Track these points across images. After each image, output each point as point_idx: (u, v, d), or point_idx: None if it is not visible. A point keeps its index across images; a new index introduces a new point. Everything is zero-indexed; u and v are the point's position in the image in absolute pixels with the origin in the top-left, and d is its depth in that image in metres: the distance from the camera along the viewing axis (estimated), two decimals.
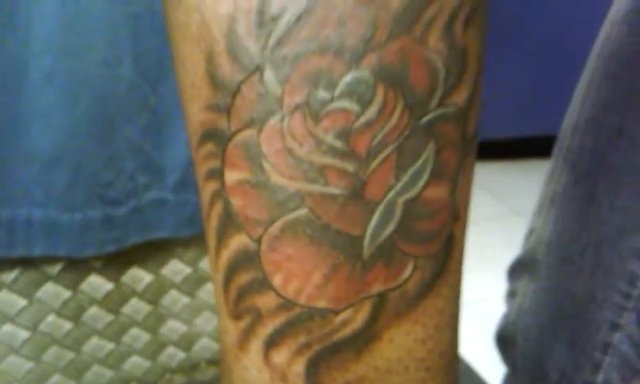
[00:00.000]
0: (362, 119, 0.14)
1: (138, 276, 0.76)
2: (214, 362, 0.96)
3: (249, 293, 0.15)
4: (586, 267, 0.43)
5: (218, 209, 0.15)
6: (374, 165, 0.14)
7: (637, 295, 0.40)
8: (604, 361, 0.43)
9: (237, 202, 0.15)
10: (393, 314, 0.15)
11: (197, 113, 0.15)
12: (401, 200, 0.14)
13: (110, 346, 0.76)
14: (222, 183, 0.15)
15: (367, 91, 0.14)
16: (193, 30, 0.14)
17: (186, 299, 0.86)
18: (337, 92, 0.14)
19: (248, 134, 0.14)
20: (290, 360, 0.15)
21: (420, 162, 0.14)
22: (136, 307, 0.78)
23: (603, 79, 0.41)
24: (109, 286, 0.70)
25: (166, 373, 0.88)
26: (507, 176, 1.63)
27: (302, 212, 0.14)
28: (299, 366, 0.15)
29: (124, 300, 0.75)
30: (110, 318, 0.74)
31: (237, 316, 0.15)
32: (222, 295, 0.16)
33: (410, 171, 0.14)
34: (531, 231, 0.49)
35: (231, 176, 0.15)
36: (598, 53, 0.42)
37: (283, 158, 0.14)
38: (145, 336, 0.81)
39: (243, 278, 0.15)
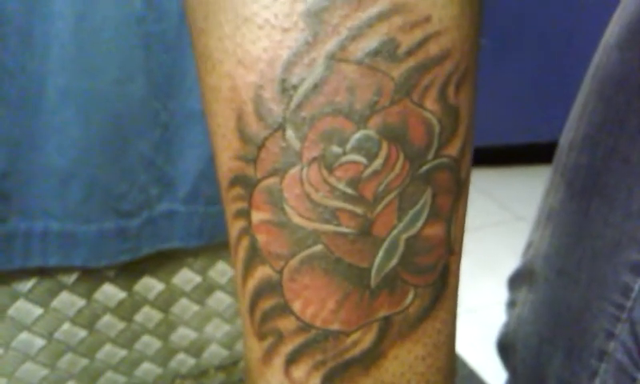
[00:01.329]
0: (370, 170, 0.16)
1: (150, 285, 0.79)
2: (223, 367, 0.98)
3: (272, 316, 0.17)
4: (581, 279, 0.45)
5: (245, 243, 0.18)
6: (379, 208, 0.16)
7: (630, 306, 0.42)
8: (600, 368, 0.45)
9: (261, 238, 0.17)
10: (397, 334, 0.17)
11: (227, 161, 0.18)
12: (403, 237, 0.17)
13: (122, 352, 0.78)
14: (249, 222, 0.17)
15: (373, 146, 0.16)
16: (224, 93, 0.17)
17: (195, 307, 0.88)
18: (348, 147, 0.16)
19: (271, 181, 0.17)
20: (307, 375, 0.17)
21: (419, 204, 0.17)
22: (148, 315, 0.80)
23: (598, 101, 0.43)
24: (122, 294, 0.73)
25: (177, 378, 0.91)
26: (510, 182, 1.64)
27: (318, 248, 0.17)
28: (316, 380, 0.17)
29: (136, 308, 0.78)
30: (122, 325, 0.76)
31: (261, 336, 0.18)
32: (248, 318, 0.18)
33: (411, 213, 0.17)
34: (529, 244, 0.51)
35: (257, 216, 0.17)
36: (592, 75, 0.44)
37: (302, 201, 0.16)
38: (156, 343, 0.84)
39: (267, 304, 0.17)
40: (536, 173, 1.29)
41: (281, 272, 0.17)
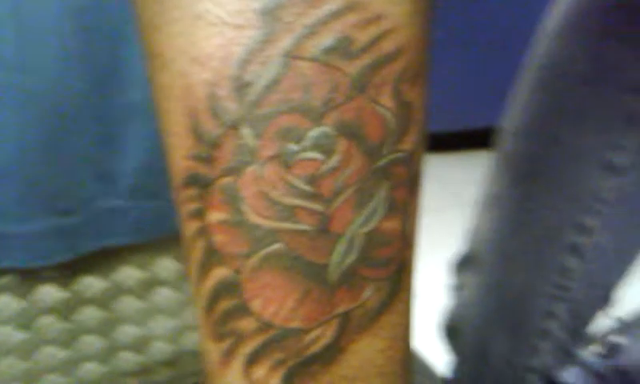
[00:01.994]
0: (327, 166, 0.16)
1: (90, 283, 0.76)
2: (169, 363, 0.96)
3: (230, 317, 0.17)
4: (523, 262, 0.46)
5: (200, 244, 0.17)
6: (337, 204, 0.16)
7: (570, 286, 0.44)
8: (541, 346, 0.47)
9: (218, 238, 0.17)
10: (356, 329, 0.17)
11: (180, 160, 0.17)
12: (361, 232, 0.17)
13: (62, 353, 0.76)
14: (205, 222, 0.17)
15: (330, 143, 0.16)
16: (177, 91, 0.17)
17: (138, 303, 0.86)
18: (305, 144, 0.16)
19: (227, 180, 0.16)
20: (268, 375, 0.17)
21: (376, 199, 0.17)
22: (88, 314, 0.78)
23: (539, 89, 0.45)
24: (61, 294, 0.70)
25: (121, 377, 0.88)
26: (450, 167, 1.67)
27: (277, 246, 0.16)
28: (276, 380, 0.17)
29: (76, 307, 0.75)
30: (62, 325, 0.74)
31: (219, 338, 0.18)
32: (205, 320, 0.18)
33: (368, 208, 0.17)
34: (473, 230, 0.52)
35: (213, 216, 0.17)
36: (532, 64, 0.46)
37: (259, 200, 0.16)
38: (98, 342, 0.81)
39: (225, 305, 0.17)
40: (475, 158, 1.32)
41: (239, 272, 0.17)
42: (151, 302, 0.85)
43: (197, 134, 0.16)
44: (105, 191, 0.70)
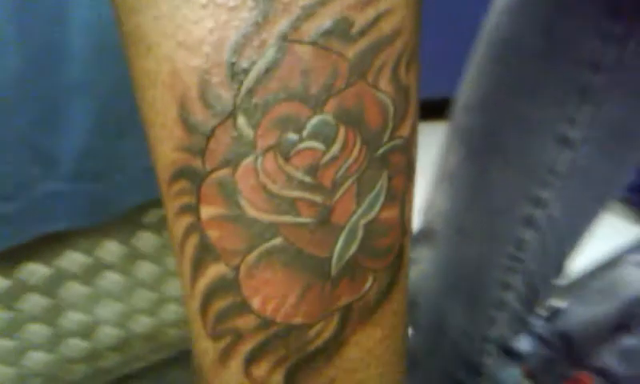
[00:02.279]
0: (328, 156, 0.15)
1: (34, 269, 0.73)
2: (116, 348, 0.94)
3: (228, 315, 0.16)
4: (479, 235, 0.47)
5: (193, 240, 0.16)
6: (338, 194, 0.16)
7: (524, 258, 0.45)
8: (498, 317, 0.48)
9: (213, 234, 0.16)
10: (357, 321, 0.17)
11: (168, 152, 0.16)
12: (361, 223, 0.16)
13: (7, 343, 0.73)
14: (198, 217, 0.16)
15: (330, 131, 0.15)
16: (163, 78, 0.15)
17: (84, 289, 0.84)
18: (304, 133, 0.15)
19: (223, 173, 0.15)
20: (269, 372, 0.17)
21: (376, 188, 0.16)
22: (33, 301, 0.75)
23: (492, 64, 0.45)
24: (3, 282, 0.67)
25: (69, 364, 0.86)
26: None
27: (277, 241, 0.16)
28: (278, 376, 0.17)
29: (20, 295, 0.72)
30: (5, 314, 0.71)
31: (216, 337, 0.17)
32: (200, 319, 0.17)
33: (369, 197, 0.16)
34: (429, 204, 0.53)
35: (207, 211, 0.16)
36: (486, 38, 0.46)
37: (258, 193, 0.15)
38: (44, 330, 0.79)
39: (222, 303, 0.16)
40: (433, 129, 1.32)
41: (237, 269, 0.16)
42: (97, 287, 0.83)
43: (187, 124, 0.15)
44: (45, 175, 0.67)
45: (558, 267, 0.47)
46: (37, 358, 0.80)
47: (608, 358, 0.91)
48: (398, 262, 0.18)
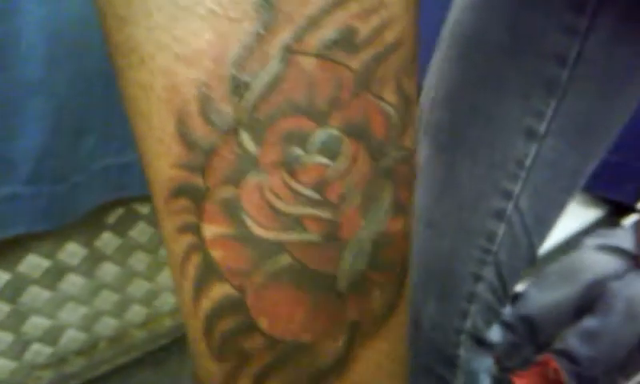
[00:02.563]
0: (334, 170, 0.15)
1: None
2: (82, 352, 0.92)
3: (235, 336, 0.16)
4: (449, 229, 0.48)
5: (195, 260, 0.16)
6: (345, 209, 0.15)
7: (495, 250, 0.46)
8: (470, 309, 0.49)
9: (217, 254, 0.15)
10: (365, 335, 0.17)
11: (165, 168, 0.15)
12: (368, 236, 0.16)
13: None
14: (200, 237, 0.15)
15: (336, 145, 0.15)
16: (159, 92, 0.15)
17: (46, 293, 0.81)
18: (310, 148, 0.15)
19: (226, 191, 0.15)
20: None
21: (382, 201, 0.16)
22: None
23: (457, 60, 0.45)
24: None
25: (34, 370, 0.84)
26: None
27: (283, 259, 0.15)
28: None
29: None
30: None
31: (222, 358, 0.16)
32: (204, 340, 0.16)
33: (375, 211, 0.16)
34: None
35: (210, 230, 0.15)
36: (449, 35, 0.46)
37: (263, 211, 0.15)
38: (7, 337, 0.76)
39: (228, 324, 0.16)
40: None
41: (243, 289, 0.15)
42: (60, 290, 0.81)
43: (186, 140, 0.15)
44: (3, 178, 0.64)
45: (529, 258, 0.48)
46: (1, 366, 0.77)
47: (571, 340, 0.93)
48: (403, 274, 0.17)
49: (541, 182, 0.44)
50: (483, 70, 0.44)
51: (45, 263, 0.76)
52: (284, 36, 0.14)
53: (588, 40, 0.39)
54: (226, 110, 0.14)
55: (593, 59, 0.39)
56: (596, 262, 1.03)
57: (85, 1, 0.61)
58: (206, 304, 0.16)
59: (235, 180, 0.15)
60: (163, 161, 0.15)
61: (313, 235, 0.15)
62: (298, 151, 0.15)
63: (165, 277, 0.96)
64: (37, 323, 0.78)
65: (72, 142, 0.69)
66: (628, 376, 0.95)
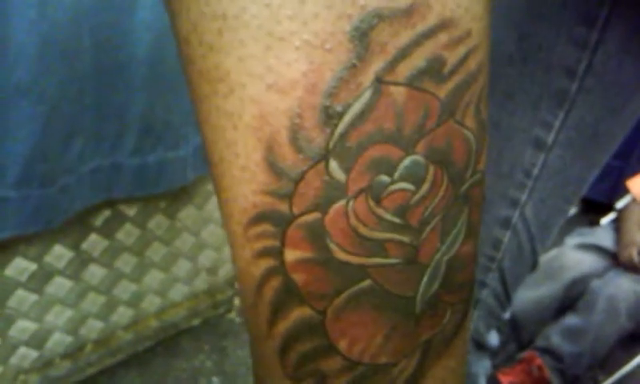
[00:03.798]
0: (417, 196, 0.15)
1: None
2: (68, 356, 0.91)
3: (312, 358, 0.16)
4: None
5: (274, 283, 0.16)
6: (425, 234, 0.16)
7: (500, 257, 0.47)
8: (474, 314, 0.49)
9: (299, 278, 0.15)
10: (435, 354, 0.17)
11: (249, 195, 0.15)
12: (444, 259, 0.16)
13: None
14: (281, 261, 0.15)
15: (421, 171, 0.15)
16: (248, 121, 0.15)
17: (33, 297, 0.80)
18: (396, 175, 0.15)
19: (312, 217, 0.15)
20: None
21: (459, 224, 0.16)
22: None
23: None
24: None
25: (20, 374, 0.82)
26: None
27: (365, 283, 0.15)
28: None
29: None
30: None
31: (297, 379, 0.16)
32: (278, 361, 0.16)
33: (452, 234, 0.16)
34: None
35: (292, 255, 0.15)
36: None
37: (348, 236, 0.15)
38: None
39: (305, 346, 0.16)
40: None
41: (323, 312, 0.16)
42: (47, 294, 0.79)
43: (274, 168, 0.15)
44: None
45: (531, 264, 0.48)
46: None
47: (554, 338, 0.95)
48: (470, 294, 0.18)
49: (547, 190, 0.45)
50: (493, 82, 0.45)
51: (32, 266, 0.75)
52: (377, 66, 0.14)
53: (597, 53, 0.39)
54: (316, 138, 0.14)
55: (602, 72, 0.40)
56: (577, 260, 1.05)
57: (74, 4, 0.60)
58: (284, 326, 0.16)
59: (322, 207, 0.15)
60: (246, 187, 0.15)
61: (394, 259, 0.15)
62: (384, 178, 0.15)
63: (151, 278, 0.96)
64: (23, 327, 0.77)
65: (61, 145, 0.68)
66: (609, 372, 0.98)
